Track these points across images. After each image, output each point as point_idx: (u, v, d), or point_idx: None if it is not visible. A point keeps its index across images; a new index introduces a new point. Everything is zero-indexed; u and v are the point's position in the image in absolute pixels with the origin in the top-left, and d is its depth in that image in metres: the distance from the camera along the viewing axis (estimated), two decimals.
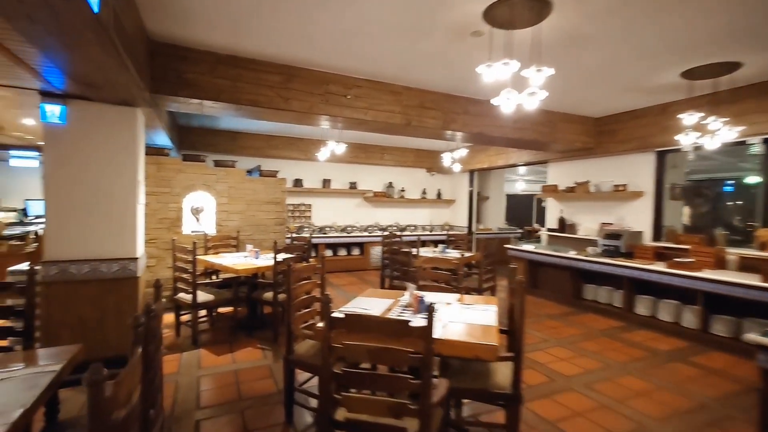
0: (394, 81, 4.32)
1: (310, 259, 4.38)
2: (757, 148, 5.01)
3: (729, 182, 9.55)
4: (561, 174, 6.84)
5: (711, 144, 3.86)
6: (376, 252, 8.59)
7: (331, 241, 8.08)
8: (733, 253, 4.36)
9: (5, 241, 5.02)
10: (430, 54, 3.53)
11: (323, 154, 6.68)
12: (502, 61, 2.63)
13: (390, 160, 8.98)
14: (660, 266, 4.54)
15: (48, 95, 3.06)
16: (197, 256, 4.41)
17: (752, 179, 8.82)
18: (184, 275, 3.90)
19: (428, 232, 9.35)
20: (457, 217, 9.91)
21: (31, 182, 8.04)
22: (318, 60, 3.72)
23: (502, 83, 2.72)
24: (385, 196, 9.18)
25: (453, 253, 5.35)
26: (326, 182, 8.56)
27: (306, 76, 3.91)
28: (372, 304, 2.55)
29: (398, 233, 8.16)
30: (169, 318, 4.47)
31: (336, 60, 3.71)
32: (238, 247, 5.18)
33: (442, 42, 3.27)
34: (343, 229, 8.59)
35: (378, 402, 1.55)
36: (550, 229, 6.96)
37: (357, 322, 1.56)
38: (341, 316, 1.57)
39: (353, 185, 8.84)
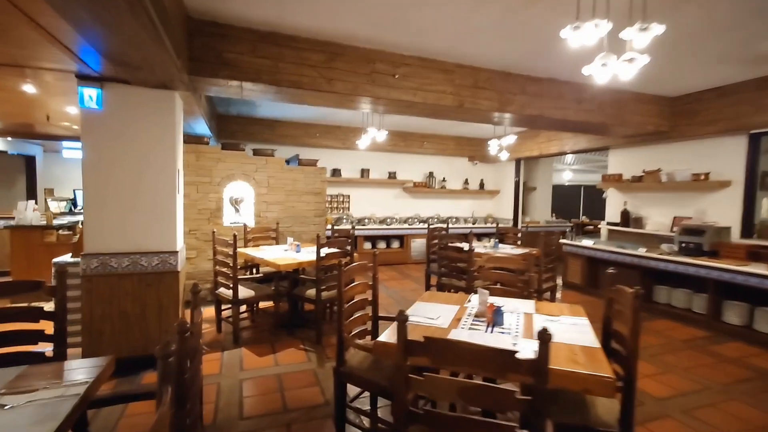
0: (446, 58, 3.89)
1: (355, 254, 4.08)
2: None
3: None
4: (625, 162, 6.16)
5: None
6: (417, 245, 8.23)
7: (370, 233, 7.80)
8: None
9: (55, 230, 5.07)
10: (488, 23, 3.08)
11: (363, 141, 6.36)
12: (593, 21, 2.15)
13: (430, 148, 8.54)
14: (758, 268, 3.89)
15: (85, 78, 2.89)
16: (237, 249, 4.23)
17: None
18: (224, 269, 3.72)
19: (471, 225, 8.86)
20: (501, 209, 9.35)
21: (80, 172, 8.27)
22: (364, 34, 3.36)
23: (573, 58, 2.24)
24: (425, 187, 8.77)
25: (506, 249, 4.89)
26: (365, 172, 8.26)
27: (350, 54, 3.57)
28: (435, 311, 2.20)
29: (444, 226, 7.76)
30: (210, 312, 4.35)
31: (383, 34, 3.33)
32: (277, 239, 4.98)
33: (502, 8, 2.81)
34: (382, 221, 8.28)
35: None
36: (610, 223, 6.32)
37: (445, 350, 1.21)
38: (420, 339, 1.23)
39: (392, 175, 8.48)
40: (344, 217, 7.96)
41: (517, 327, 1.93)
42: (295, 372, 3.14)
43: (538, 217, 9.59)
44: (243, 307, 4.19)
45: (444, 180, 9.05)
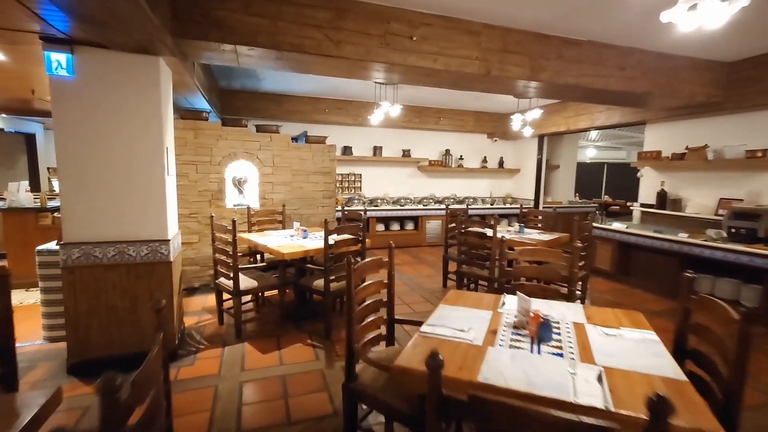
0: (472, 17, 3.37)
1: (367, 239, 3.70)
2: None
3: None
4: (665, 137, 5.56)
5: None
6: (433, 227, 7.83)
7: (383, 214, 7.41)
8: None
9: (50, 213, 4.81)
10: None
11: (375, 117, 5.91)
12: None
13: (447, 124, 8.00)
14: None
15: (51, 41, 2.49)
16: (239, 234, 3.90)
17: None
18: (224, 257, 3.39)
19: (489, 205, 8.39)
20: (522, 189, 8.83)
21: None
22: None
23: (621, 13, 1.75)
24: (441, 165, 8.28)
25: (532, 234, 4.46)
26: (377, 150, 7.80)
27: (361, 12, 3.08)
28: (464, 319, 1.81)
29: (463, 207, 7.33)
30: (211, 301, 4.06)
31: None
32: (284, 223, 4.63)
33: None
34: (396, 201, 7.87)
35: None
36: (644, 205, 5.79)
37: (500, 416, 0.82)
38: (464, 399, 0.84)
39: (406, 153, 8.01)
40: (356, 197, 7.57)
41: (570, 344, 1.53)
42: (302, 373, 2.83)
43: (561, 197, 9.05)
44: (248, 296, 3.89)
45: (461, 158, 8.53)
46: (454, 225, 4.96)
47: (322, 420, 2.30)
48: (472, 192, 8.79)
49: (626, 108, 5.69)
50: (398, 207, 7.63)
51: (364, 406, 2.07)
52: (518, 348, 1.48)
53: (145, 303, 2.89)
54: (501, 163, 8.90)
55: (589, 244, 4.02)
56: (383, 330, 2.17)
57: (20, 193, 4.67)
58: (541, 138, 8.17)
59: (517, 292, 1.89)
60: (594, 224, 5.78)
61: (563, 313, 1.88)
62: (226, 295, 3.59)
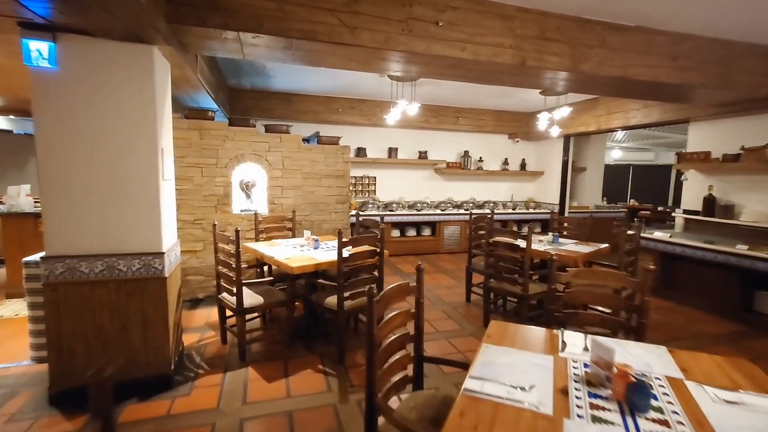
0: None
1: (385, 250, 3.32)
2: None
3: None
4: (714, 136, 5.04)
5: None
6: (451, 233, 7.41)
7: (399, 219, 7.02)
8: None
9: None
10: None
11: (392, 116, 5.53)
12: None
13: (466, 124, 7.58)
14: None
15: (30, 28, 2.18)
16: (245, 244, 3.57)
17: None
18: (227, 270, 3.05)
19: (511, 211, 7.93)
20: (545, 192, 8.34)
21: None
22: None
23: None
24: (459, 168, 7.86)
25: (568, 245, 4.01)
26: (392, 151, 7.42)
27: None
28: (519, 369, 1.41)
29: (486, 212, 6.91)
30: (216, 314, 3.73)
31: None
32: (294, 230, 4.28)
33: None
34: (412, 206, 7.47)
35: None
36: (688, 211, 5.27)
37: None
38: None
39: (423, 155, 7.61)
40: (370, 201, 7.20)
41: (677, 417, 1.11)
42: (311, 409, 2.45)
43: (588, 201, 8.53)
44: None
45: (480, 160, 8.09)
46: (478, 233, 4.54)
47: None
48: (492, 196, 8.33)
49: (668, 104, 5.19)
50: (414, 212, 7.23)
51: None
52: (605, 422, 1.08)
53: (137, 324, 2.57)
54: (523, 166, 8.43)
55: (636, 258, 3.56)
56: (410, 370, 1.78)
57: (20, 198, 4.43)
58: (567, 138, 7.68)
59: (593, 339, 1.48)
60: (630, 232, 5.28)
61: (646, 360, 1.46)
62: (229, 311, 3.25)
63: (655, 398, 1.19)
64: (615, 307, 1.94)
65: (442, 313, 4.24)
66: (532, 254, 3.51)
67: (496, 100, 6.79)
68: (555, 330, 1.79)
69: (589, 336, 1.40)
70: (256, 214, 4.12)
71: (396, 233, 7.11)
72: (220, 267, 3.15)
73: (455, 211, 7.55)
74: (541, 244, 3.98)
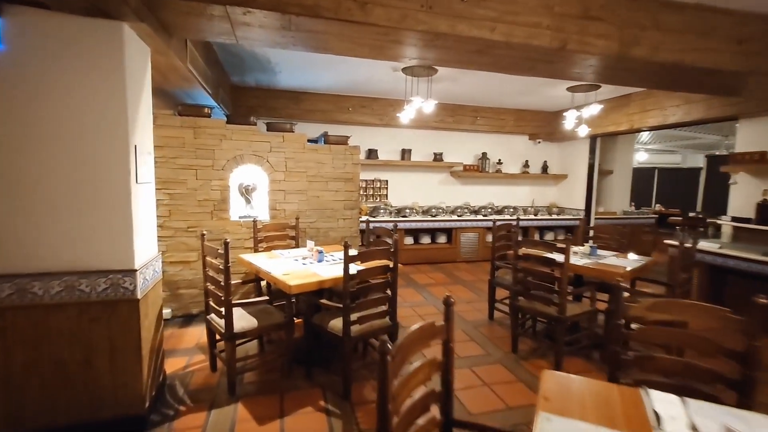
0: None
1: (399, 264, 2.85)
2: None
3: None
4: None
5: None
6: (468, 241, 6.91)
7: (412, 226, 6.55)
8: None
9: None
10: None
11: (406, 114, 5.09)
12: None
13: (484, 124, 7.09)
14: None
15: None
16: (241, 256, 3.15)
17: None
18: (215, 288, 2.63)
19: (533, 217, 7.39)
20: (569, 197, 7.78)
21: None
22: None
23: None
24: (477, 170, 7.37)
25: (609, 258, 3.49)
26: (406, 153, 6.97)
27: None
28: None
29: (512, 219, 6.41)
30: (203, 337, 3.31)
31: None
32: (297, 239, 3.85)
33: None
34: (426, 211, 7.00)
35: None
36: (737, 219, 4.69)
37: None
38: None
39: (438, 156, 7.14)
40: (381, 206, 6.75)
41: None
42: None
43: (615, 206, 7.95)
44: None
45: (499, 162, 7.59)
46: (503, 242, 4.06)
47: None
48: (512, 200, 7.81)
49: (714, 99, 4.64)
50: (429, 218, 6.75)
51: None
52: None
53: (103, 355, 2.15)
54: (545, 168, 7.90)
55: (692, 275, 3.04)
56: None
57: None
58: (593, 139, 7.13)
59: (727, 428, 0.99)
60: (671, 242, 4.72)
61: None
62: (219, 335, 2.82)
63: None
64: (704, 352, 1.45)
65: (463, 333, 3.76)
66: (572, 271, 3.00)
67: (517, 98, 6.30)
68: (632, 385, 1.31)
69: (728, 426, 0.91)
70: (255, 221, 3.70)
71: (409, 240, 6.65)
72: (208, 284, 2.73)
73: (472, 217, 7.05)
74: (576, 256, 3.46)
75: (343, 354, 2.56)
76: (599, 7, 2.67)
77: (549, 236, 7.55)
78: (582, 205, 7.46)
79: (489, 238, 7.12)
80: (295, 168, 4.19)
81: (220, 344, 2.87)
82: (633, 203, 8.48)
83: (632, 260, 3.37)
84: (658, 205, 11.43)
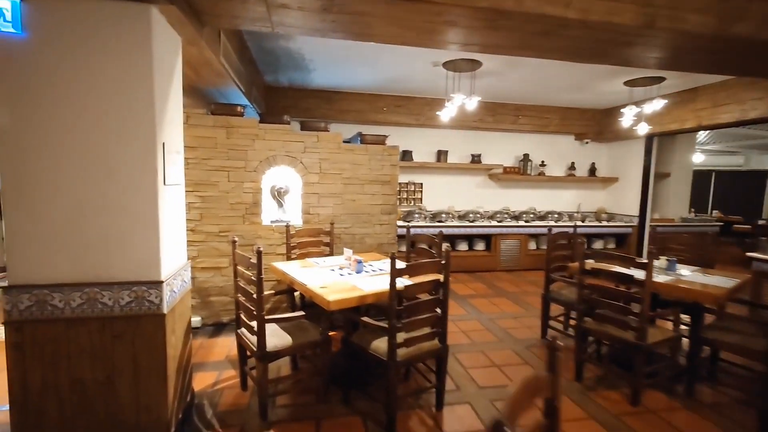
0: None
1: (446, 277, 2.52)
2: None
3: None
4: None
5: None
6: (509, 248, 6.46)
7: (449, 231, 6.17)
8: None
9: None
10: None
11: (447, 112, 4.75)
12: None
13: (527, 123, 6.64)
14: None
15: None
16: (273, 264, 2.92)
17: None
18: (246, 301, 2.38)
19: (580, 223, 6.84)
20: (619, 202, 7.18)
21: None
22: None
23: None
24: (517, 173, 6.91)
25: (691, 273, 3.00)
26: (442, 154, 6.62)
27: None
28: None
29: (568, 226, 5.93)
30: (233, 348, 3.09)
31: None
32: (331, 246, 3.59)
33: None
34: (463, 216, 6.61)
35: None
36: None
37: None
38: None
39: (476, 158, 6.74)
40: (416, 211, 6.42)
41: None
42: None
43: (672, 212, 7.27)
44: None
45: (543, 164, 7.10)
46: (561, 252, 3.64)
47: None
48: (555, 205, 7.29)
49: None
50: (467, 223, 6.36)
51: None
52: None
53: (126, 375, 1.94)
54: (592, 171, 7.33)
55: None
56: None
57: None
58: (649, 139, 6.53)
59: None
60: (753, 254, 4.13)
61: None
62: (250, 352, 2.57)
63: None
64: None
65: (514, 354, 3.36)
66: (653, 289, 2.57)
67: (565, 94, 5.82)
68: None
69: None
70: (288, 226, 3.47)
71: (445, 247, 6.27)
72: (239, 295, 2.50)
73: (513, 222, 6.60)
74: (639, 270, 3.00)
75: (388, 380, 2.25)
76: None
77: (597, 244, 6.98)
78: (634, 211, 6.86)
79: (531, 245, 6.66)
80: (330, 169, 3.94)
81: (251, 360, 2.63)
82: (693, 209, 7.75)
83: (724, 278, 2.87)
84: (716, 212, 10.50)
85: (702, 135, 9.86)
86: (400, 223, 5.70)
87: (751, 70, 3.27)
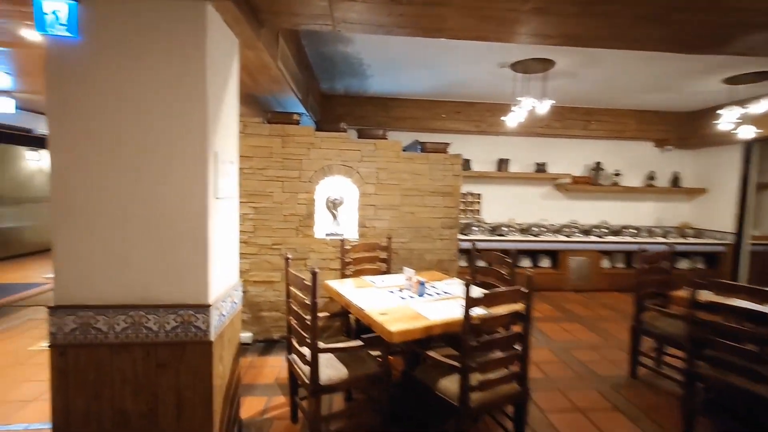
0: None
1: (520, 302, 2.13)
2: None
3: None
4: None
5: None
6: (578, 265, 5.83)
7: (510, 246, 5.65)
8: None
9: None
10: None
11: (513, 118, 4.34)
12: None
13: (598, 129, 6.00)
14: None
15: None
16: (326, 282, 2.69)
17: None
18: (298, 326, 2.15)
19: (661, 239, 6.04)
20: (708, 216, 6.28)
21: None
22: None
23: None
24: (588, 183, 6.26)
25: None
26: (503, 163, 6.15)
27: None
28: None
29: (660, 243, 5.28)
30: (284, 370, 2.88)
31: None
32: (389, 262, 3.31)
33: None
34: (526, 230, 6.08)
35: None
36: None
37: None
38: None
39: (541, 167, 6.20)
40: (474, 223, 6.00)
41: None
42: None
43: None
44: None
45: (617, 174, 6.38)
46: (655, 275, 3.09)
47: None
48: (631, 219, 6.51)
49: None
50: (531, 237, 5.83)
51: None
52: None
53: (169, 408, 1.75)
54: (675, 181, 6.48)
55: None
56: None
57: None
58: (748, 145, 5.63)
59: None
60: None
61: None
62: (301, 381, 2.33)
63: None
64: None
65: (600, 397, 2.85)
66: None
67: (646, 95, 5.17)
68: None
69: None
70: (343, 240, 3.24)
71: None
72: (291, 318, 2.27)
73: (583, 237, 5.96)
74: None
75: (458, 428, 1.90)
76: None
77: (683, 264, 6.12)
78: (728, 227, 5.94)
79: (605, 263, 5.98)
80: (388, 180, 3.68)
81: (302, 389, 2.39)
82: None
83: None
84: None
85: None
86: (461, 236, 5.31)
87: None
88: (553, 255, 5.91)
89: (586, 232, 6.15)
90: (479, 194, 6.28)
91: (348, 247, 3.22)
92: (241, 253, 2.97)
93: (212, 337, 1.75)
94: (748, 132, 4.53)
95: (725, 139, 5.25)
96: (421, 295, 2.49)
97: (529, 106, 3.98)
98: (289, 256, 2.40)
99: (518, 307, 2.01)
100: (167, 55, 1.64)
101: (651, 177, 6.46)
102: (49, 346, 1.66)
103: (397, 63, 4.09)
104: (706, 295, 2.38)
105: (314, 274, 1.98)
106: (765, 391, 2.03)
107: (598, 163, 6.31)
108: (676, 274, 3.25)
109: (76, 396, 1.70)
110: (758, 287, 2.20)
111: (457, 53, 3.72)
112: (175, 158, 1.67)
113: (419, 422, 2.36)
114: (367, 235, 3.69)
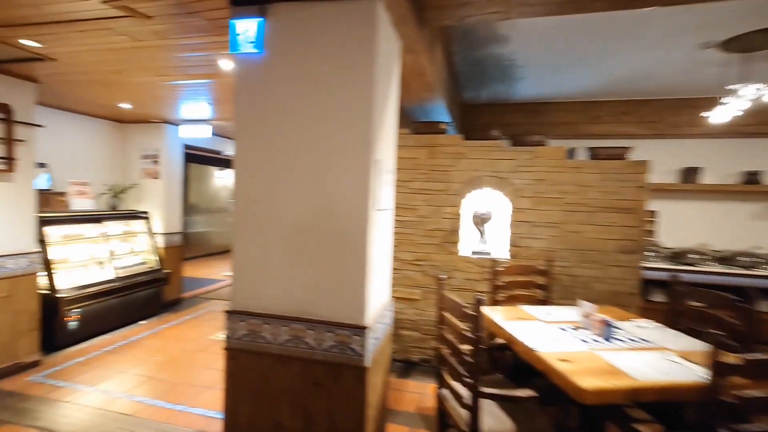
0: None
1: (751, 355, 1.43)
2: None
3: None
4: None
5: None
6: None
7: (702, 279, 4.41)
8: None
9: None
10: None
11: (719, 114, 3.36)
12: None
13: None
14: None
15: (240, 2, 1.62)
16: (482, 312, 2.33)
17: None
18: (453, 359, 1.86)
19: None
20: None
21: None
22: None
23: None
24: None
25: None
26: (690, 173, 4.90)
27: None
28: None
29: None
30: (431, 390, 2.63)
31: None
32: (548, 288, 2.79)
33: None
34: (725, 259, 4.67)
35: None
36: None
37: None
38: None
39: (751, 178, 4.73)
40: (648, 247, 4.87)
41: None
42: None
43: None
44: None
45: None
46: None
47: None
48: None
49: None
50: (736, 269, 4.44)
51: None
52: None
53: (321, 428, 1.65)
54: None
55: None
56: None
57: None
58: None
59: None
60: None
61: None
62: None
63: None
64: None
65: None
66: None
67: None
68: None
69: None
70: (493, 260, 2.86)
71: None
72: (443, 348, 2.00)
73: None
74: None
75: None
76: None
77: None
78: None
79: None
80: (547, 192, 3.17)
81: (453, 430, 2.08)
82: None
83: None
84: None
85: None
86: (653, 264, 4.35)
87: None
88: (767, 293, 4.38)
89: None
90: (654, 211, 5.12)
91: (500, 269, 2.83)
92: None
93: (367, 362, 1.60)
94: None
95: None
96: (607, 339, 1.95)
97: (752, 95, 2.98)
98: (443, 275, 2.14)
99: None
100: (336, 61, 1.58)
101: None
102: (224, 349, 1.73)
103: (556, 62, 3.58)
104: None
105: (478, 302, 1.67)
106: None
107: None
108: None
109: (241, 400, 1.73)
110: None
111: (636, 42, 3.04)
112: (344, 169, 1.59)
113: None
114: (519, 255, 3.22)
